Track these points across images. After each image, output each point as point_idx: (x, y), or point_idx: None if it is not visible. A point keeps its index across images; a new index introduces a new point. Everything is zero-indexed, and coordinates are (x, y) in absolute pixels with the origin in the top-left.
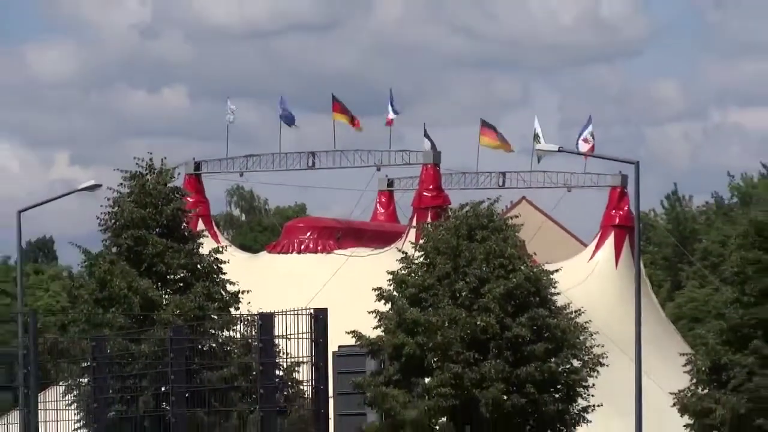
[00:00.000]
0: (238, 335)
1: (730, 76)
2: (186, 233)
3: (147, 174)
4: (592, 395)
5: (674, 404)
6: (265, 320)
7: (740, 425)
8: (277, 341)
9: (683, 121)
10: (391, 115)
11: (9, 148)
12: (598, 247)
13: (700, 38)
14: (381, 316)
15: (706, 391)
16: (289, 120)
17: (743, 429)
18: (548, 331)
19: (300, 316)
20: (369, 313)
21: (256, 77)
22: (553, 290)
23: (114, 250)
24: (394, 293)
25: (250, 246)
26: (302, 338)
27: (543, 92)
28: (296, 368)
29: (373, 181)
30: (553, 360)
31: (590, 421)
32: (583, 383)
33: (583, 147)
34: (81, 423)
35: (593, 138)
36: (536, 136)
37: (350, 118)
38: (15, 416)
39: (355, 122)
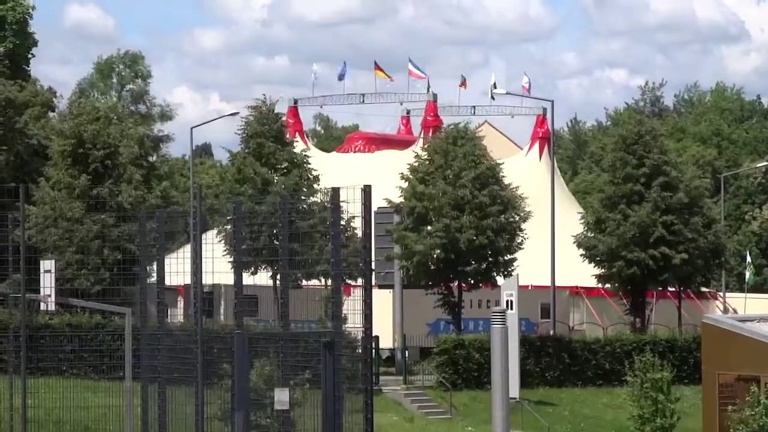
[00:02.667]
0: (319, 200)
1: (605, 50)
2: (286, 140)
3: (263, 106)
4: (525, 235)
5: (574, 242)
6: (335, 192)
7: (611, 254)
8: (341, 204)
9: (578, 77)
10: (413, 71)
11: (185, 90)
12: (529, 149)
13: (586, 27)
14: (403, 190)
15: (592, 234)
16: (342, 75)
17: (613, 257)
18: (500, 199)
19: (355, 189)
20: (396, 187)
21: (329, 49)
22: (502, 175)
23: (245, 150)
24: (410, 176)
25: (325, 149)
26: (357, 202)
27: (497, 59)
28: (353, 220)
29: (398, 110)
30: (503, 216)
31: (524, 248)
32: (520, 229)
33: (522, 90)
34: (226, 251)
35: (529, 85)
36: (494, 84)
37: (385, 74)
38: (188, 248)
39: (389, 77)
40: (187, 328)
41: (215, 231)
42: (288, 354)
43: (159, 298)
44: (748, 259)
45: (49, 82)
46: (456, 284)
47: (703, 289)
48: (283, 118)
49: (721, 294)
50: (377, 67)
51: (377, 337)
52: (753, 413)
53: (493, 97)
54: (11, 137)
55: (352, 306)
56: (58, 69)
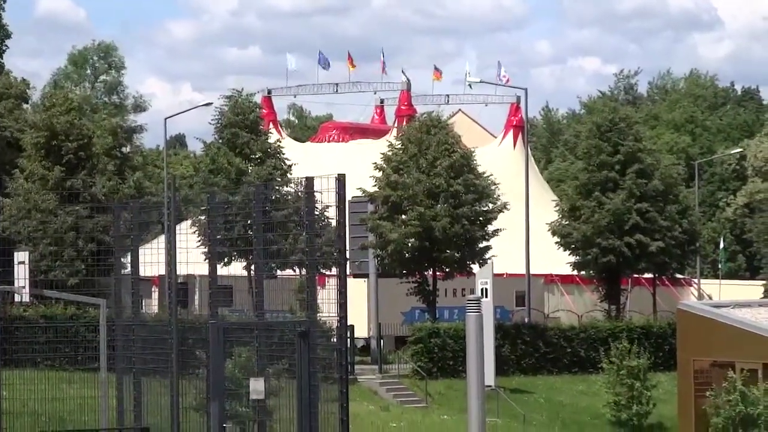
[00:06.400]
0: (293, 190)
1: (578, 38)
2: (261, 130)
3: (237, 96)
4: (500, 223)
5: (549, 230)
6: (309, 181)
7: (586, 242)
8: (315, 194)
9: (551, 65)
10: (382, 60)
11: (156, 81)
12: (503, 138)
13: (559, 16)
14: (376, 179)
15: (567, 222)
16: (324, 64)
17: (588, 244)
18: (474, 188)
19: (329, 178)
20: (370, 177)
21: (301, 40)
22: (476, 163)
23: (219, 140)
24: (384, 165)
25: (299, 138)
26: (331, 191)
27: (470, 48)
28: (327, 209)
29: (372, 100)
30: (477, 204)
31: (499, 236)
32: (495, 218)
33: (496, 79)
34: (200, 242)
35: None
36: (467, 73)
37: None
38: (162, 239)
39: (351, 62)
40: (162, 318)
41: (189, 222)
42: (263, 344)
43: (133, 288)
44: (722, 245)
45: (21, 74)
46: (431, 273)
47: (678, 275)
48: (258, 109)
49: (696, 281)
50: (350, 57)
51: (352, 327)
52: (729, 399)
53: (470, 86)
54: None
55: (326, 295)
56: (29, 60)
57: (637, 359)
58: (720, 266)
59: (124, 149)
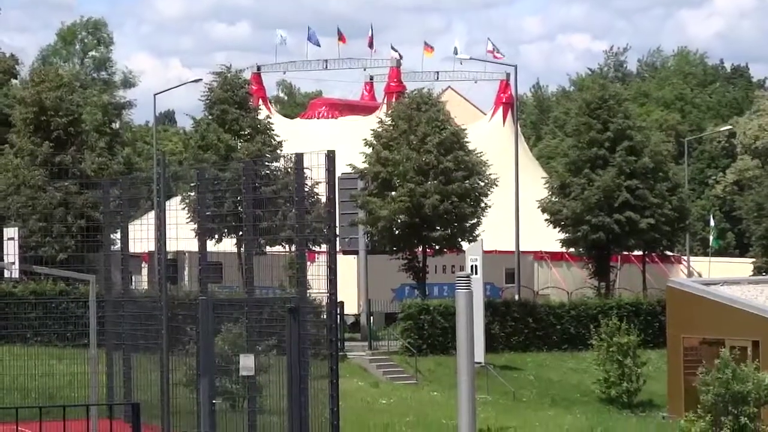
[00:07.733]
0: (282, 167)
1: (567, 15)
2: (250, 106)
3: (227, 73)
4: (490, 201)
5: (539, 207)
6: (299, 157)
7: (576, 219)
8: (305, 170)
9: (540, 42)
10: (369, 35)
11: (145, 58)
12: (493, 115)
13: None
14: (366, 155)
15: (557, 199)
16: (314, 41)
17: (578, 221)
18: (464, 164)
19: (319, 155)
20: (360, 153)
21: (290, 16)
22: (466, 140)
23: (209, 117)
24: (374, 142)
25: (289, 115)
26: (320, 168)
27: (458, 25)
28: (317, 186)
29: (361, 76)
30: (467, 181)
31: (488, 213)
32: (485, 195)
33: (486, 56)
34: (189, 218)
35: (495, 49)
36: (456, 50)
37: (340, 38)
38: (152, 215)
39: (343, 40)
40: (152, 294)
41: (179, 198)
42: (253, 320)
43: (123, 265)
44: (712, 223)
45: (7, 50)
46: (421, 249)
47: (668, 253)
48: (248, 85)
49: (686, 258)
50: (340, 33)
51: (342, 303)
52: (719, 376)
53: (461, 62)
54: None
55: (316, 272)
56: (16, 36)
57: (627, 336)
58: (711, 244)
59: (113, 125)
